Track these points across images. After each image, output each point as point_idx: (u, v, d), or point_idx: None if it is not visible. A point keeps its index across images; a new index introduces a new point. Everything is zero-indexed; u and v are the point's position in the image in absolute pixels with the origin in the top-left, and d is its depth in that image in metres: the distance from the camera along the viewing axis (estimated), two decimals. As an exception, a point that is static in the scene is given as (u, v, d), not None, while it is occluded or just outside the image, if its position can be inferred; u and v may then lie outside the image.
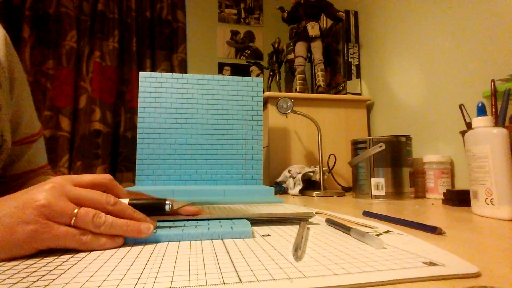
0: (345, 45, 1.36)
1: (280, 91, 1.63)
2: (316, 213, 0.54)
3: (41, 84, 1.80)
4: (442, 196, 0.73)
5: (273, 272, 0.23)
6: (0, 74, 0.46)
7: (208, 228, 0.35)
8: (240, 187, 0.84)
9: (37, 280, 0.22)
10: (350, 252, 0.28)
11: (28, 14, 1.79)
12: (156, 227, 0.36)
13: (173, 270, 0.24)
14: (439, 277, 0.22)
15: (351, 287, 0.20)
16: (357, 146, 0.90)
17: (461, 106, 0.72)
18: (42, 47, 1.82)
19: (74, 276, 0.23)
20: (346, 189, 1.12)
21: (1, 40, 0.47)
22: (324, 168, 1.09)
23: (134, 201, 0.35)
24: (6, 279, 0.22)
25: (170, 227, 0.36)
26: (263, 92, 1.04)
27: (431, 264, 0.24)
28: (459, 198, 0.65)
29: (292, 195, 1.04)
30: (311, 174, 1.07)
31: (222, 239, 0.34)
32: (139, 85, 0.95)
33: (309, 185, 1.08)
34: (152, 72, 0.97)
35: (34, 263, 0.26)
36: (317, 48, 1.37)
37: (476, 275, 0.22)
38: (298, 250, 0.27)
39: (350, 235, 0.34)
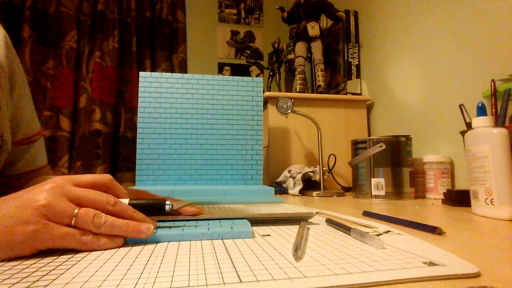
0: (345, 45, 1.36)
1: (280, 91, 1.63)
2: (316, 213, 0.54)
3: (41, 84, 1.80)
4: (442, 196, 0.73)
5: (273, 272, 0.23)
6: (0, 75, 0.46)
7: (208, 228, 0.35)
8: (240, 187, 0.84)
9: (37, 280, 0.22)
10: (350, 252, 0.28)
11: (28, 14, 1.79)
12: (156, 227, 0.36)
13: (173, 270, 0.24)
14: (439, 277, 0.22)
15: (351, 287, 0.20)
16: (357, 146, 0.90)
17: (461, 106, 0.72)
18: (42, 47, 1.82)
19: (74, 276, 0.23)
20: (346, 189, 1.12)
21: (1, 41, 0.47)
22: (324, 168, 1.09)
23: (134, 201, 0.35)
24: (6, 279, 0.22)
25: (170, 227, 0.36)
26: (263, 92, 1.04)
27: (431, 264, 0.24)
28: (459, 198, 0.65)
29: (292, 195, 1.04)
30: (311, 174, 1.07)
31: (222, 239, 0.34)
32: (139, 85, 0.95)
33: (309, 185, 1.08)
34: (152, 72, 0.97)
35: (34, 263, 0.26)
36: (317, 48, 1.37)
37: (476, 275, 0.22)
38: (298, 250, 0.27)
39: (350, 235, 0.34)
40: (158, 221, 0.39)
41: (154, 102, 0.95)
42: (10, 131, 0.48)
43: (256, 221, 0.43)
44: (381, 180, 0.84)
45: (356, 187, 0.91)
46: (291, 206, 0.67)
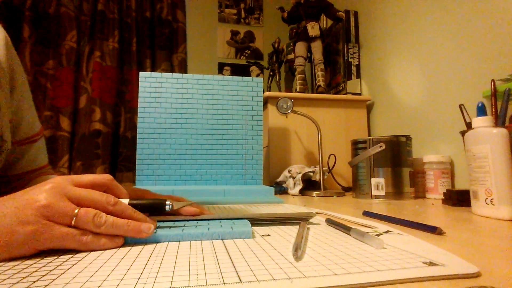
0: (345, 45, 1.36)
1: (280, 91, 1.63)
2: (316, 213, 0.54)
3: (41, 84, 1.80)
4: (442, 196, 0.73)
5: (273, 272, 0.23)
6: (0, 75, 0.46)
7: (208, 228, 0.35)
8: (240, 187, 0.84)
9: (37, 280, 0.22)
10: (350, 252, 0.28)
11: (28, 14, 1.79)
12: (156, 227, 0.36)
13: (173, 270, 0.24)
14: (439, 277, 0.22)
15: (351, 287, 0.20)
16: (357, 146, 0.90)
17: (461, 106, 0.72)
18: (42, 47, 1.82)
19: (74, 276, 0.23)
20: (346, 189, 1.12)
21: (2, 41, 0.47)
22: (324, 168, 1.09)
23: (134, 201, 0.35)
24: (6, 279, 0.22)
25: (170, 227, 0.36)
26: (263, 92, 1.04)
27: (431, 264, 0.24)
28: (459, 198, 0.65)
29: (292, 195, 1.04)
30: (311, 174, 1.07)
31: (222, 239, 0.34)
32: (139, 85, 0.95)
33: (309, 185, 1.08)
34: (152, 72, 0.97)
35: (34, 263, 0.26)
36: (317, 48, 1.37)
37: (476, 275, 0.22)
38: (298, 250, 0.27)
39: (350, 235, 0.34)
40: (158, 221, 0.39)
41: (154, 102, 0.95)
42: (10, 131, 0.48)
43: (256, 221, 0.43)
44: (381, 180, 0.84)
45: (356, 187, 0.91)
46: (291, 206, 0.67)
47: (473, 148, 0.53)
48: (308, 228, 0.39)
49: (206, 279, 0.22)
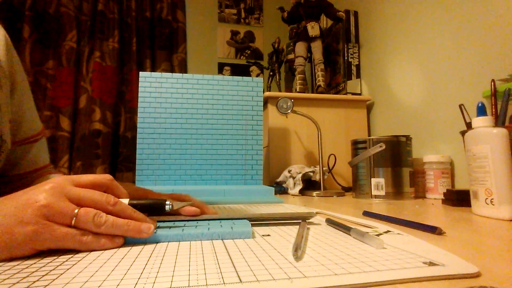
0: (345, 45, 1.36)
1: (280, 91, 1.63)
2: (316, 213, 0.54)
3: (41, 84, 1.80)
4: (442, 196, 0.73)
5: (273, 272, 0.23)
6: (0, 75, 0.46)
7: (208, 228, 0.35)
8: (240, 187, 0.84)
9: (37, 280, 0.22)
10: (350, 252, 0.28)
11: (28, 14, 1.79)
12: (156, 227, 0.36)
13: (173, 270, 0.24)
14: (439, 277, 0.22)
15: (351, 287, 0.20)
16: (357, 146, 0.90)
17: (461, 106, 0.72)
18: (42, 47, 1.82)
19: (74, 276, 0.23)
20: (346, 189, 1.12)
21: (2, 41, 0.47)
22: (324, 168, 1.09)
23: (134, 202, 0.35)
24: (6, 279, 0.22)
25: (170, 227, 0.36)
26: (263, 92, 1.04)
27: (431, 264, 0.24)
28: (459, 198, 0.65)
29: (292, 195, 1.04)
30: (311, 174, 1.07)
31: (222, 239, 0.34)
32: (139, 85, 0.95)
33: (309, 185, 1.08)
34: (152, 72, 0.97)
35: (34, 263, 0.26)
36: (317, 48, 1.37)
37: (476, 275, 0.22)
38: (298, 250, 0.27)
39: (350, 235, 0.34)
40: (158, 221, 0.39)
41: (154, 102, 0.95)
42: (9, 131, 0.48)
43: (256, 221, 0.43)
44: (381, 180, 0.84)
45: (356, 187, 0.91)
46: (291, 206, 0.67)
47: (473, 148, 0.53)
48: (308, 228, 0.39)
49: (206, 279, 0.22)
